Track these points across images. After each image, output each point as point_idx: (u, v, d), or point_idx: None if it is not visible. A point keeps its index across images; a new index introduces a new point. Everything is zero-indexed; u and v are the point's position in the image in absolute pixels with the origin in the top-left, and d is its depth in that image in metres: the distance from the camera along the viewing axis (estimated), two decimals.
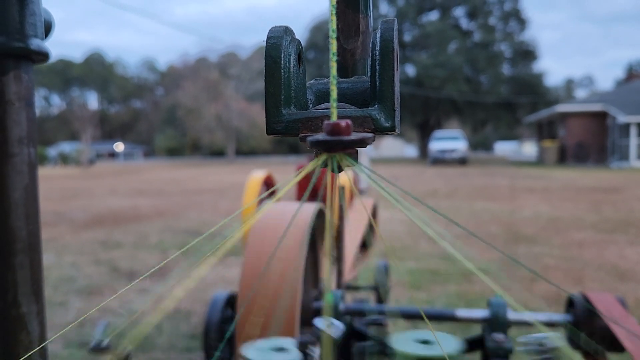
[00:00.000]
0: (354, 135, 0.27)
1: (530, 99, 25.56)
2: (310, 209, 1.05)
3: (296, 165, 2.07)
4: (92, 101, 46.68)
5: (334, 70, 0.28)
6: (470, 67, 26.28)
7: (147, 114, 44.24)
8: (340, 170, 0.29)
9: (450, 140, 20.21)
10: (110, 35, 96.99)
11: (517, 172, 13.27)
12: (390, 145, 37.59)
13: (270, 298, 0.92)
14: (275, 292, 0.92)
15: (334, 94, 0.28)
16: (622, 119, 16.30)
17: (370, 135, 0.29)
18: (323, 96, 0.38)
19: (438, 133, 21.74)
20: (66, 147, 27.44)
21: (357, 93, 0.37)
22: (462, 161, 19.42)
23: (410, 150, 38.33)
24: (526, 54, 26.70)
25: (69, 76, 43.79)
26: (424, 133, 27.21)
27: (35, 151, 0.56)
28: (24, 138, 0.54)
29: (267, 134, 0.34)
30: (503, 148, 41.31)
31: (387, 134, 0.33)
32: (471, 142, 36.07)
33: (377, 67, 0.32)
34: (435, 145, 19.98)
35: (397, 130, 0.33)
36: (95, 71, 44.67)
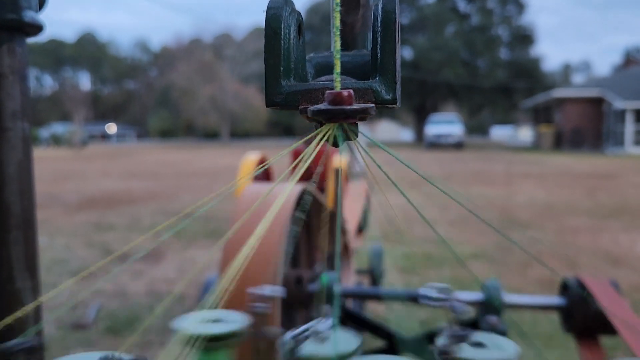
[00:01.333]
0: (356, 105, 0.27)
1: (527, 84, 25.55)
2: (294, 189, 1.04)
3: (291, 150, 2.06)
4: (85, 82, 46.33)
5: (337, 44, 0.27)
6: (467, 50, 26.21)
7: (141, 95, 43.93)
8: (343, 141, 0.29)
9: (446, 124, 20.19)
10: (102, 15, 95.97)
11: (512, 157, 13.31)
12: (385, 129, 37.54)
13: (249, 281, 0.92)
14: (255, 275, 0.91)
15: (337, 65, 0.28)
16: (619, 104, 16.32)
17: (372, 105, 0.28)
18: (323, 69, 0.37)
19: (434, 117, 21.71)
20: (58, 128, 27.20)
21: (357, 66, 0.36)
22: (458, 146, 19.42)
23: (406, 134, 38.29)
24: (524, 38, 26.64)
25: (61, 56, 43.33)
26: (420, 117, 27.18)
27: (29, 126, 0.55)
28: (18, 112, 0.53)
29: (267, 106, 0.34)
30: (499, 133, 41.33)
31: (387, 106, 0.32)
32: (467, 127, 36.04)
33: (379, 39, 0.32)
34: (432, 130, 19.96)
35: (397, 104, 0.32)
36: (88, 51, 44.22)
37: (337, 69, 0.28)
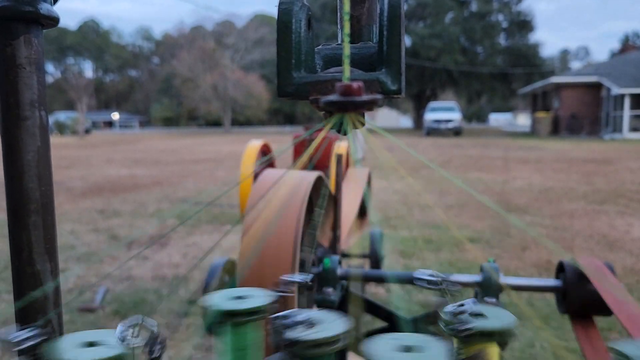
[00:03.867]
0: (365, 97, 0.29)
1: (526, 70, 25.46)
2: (309, 176, 1.06)
3: (293, 135, 2.09)
4: (87, 70, 46.10)
5: (346, 35, 0.30)
6: (466, 37, 26.08)
7: (143, 83, 43.81)
8: (351, 129, 0.31)
9: (445, 111, 20.21)
10: (104, 3, 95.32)
11: (510, 143, 13.31)
12: (385, 116, 37.44)
13: (267, 264, 0.94)
14: (273, 258, 0.94)
15: (346, 58, 0.30)
16: (616, 90, 16.27)
17: (380, 96, 0.30)
18: (331, 61, 0.39)
19: (433, 104, 21.71)
20: (61, 116, 27.19)
21: (363, 58, 0.38)
22: (457, 132, 19.45)
23: (406, 121, 38.22)
24: (522, 25, 26.49)
25: (64, 44, 43.09)
26: (419, 104, 27.12)
27: (46, 114, 0.57)
28: (35, 102, 0.55)
29: (279, 96, 0.36)
30: (497, 119, 41.29)
31: (393, 97, 0.35)
32: (466, 114, 35.95)
33: (385, 32, 0.34)
34: (430, 116, 19.97)
35: (402, 94, 0.35)
36: (90, 39, 43.99)
37: (347, 61, 0.30)
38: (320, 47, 0.40)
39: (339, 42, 0.41)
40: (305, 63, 0.36)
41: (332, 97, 0.29)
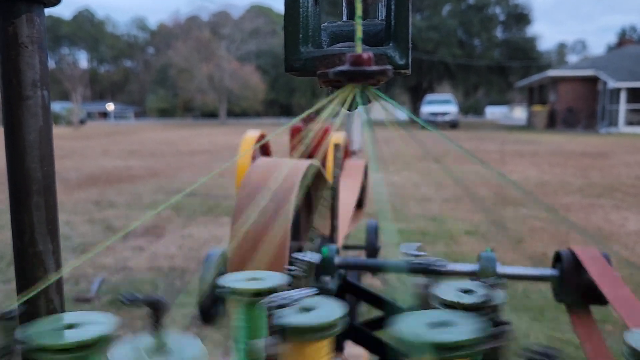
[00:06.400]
0: (375, 67, 0.29)
1: (523, 64, 25.47)
2: (302, 164, 1.06)
3: (290, 127, 2.07)
4: (82, 60, 45.82)
5: (359, 11, 0.29)
6: (463, 30, 26.06)
7: (138, 73, 43.64)
8: (362, 103, 0.31)
9: (441, 104, 20.26)
10: None
11: (506, 137, 13.32)
12: (380, 108, 37.41)
13: (258, 251, 0.94)
14: (265, 247, 0.93)
15: (358, 26, 0.30)
16: (613, 84, 16.30)
17: (389, 67, 0.30)
18: (337, 38, 0.39)
19: (430, 97, 21.74)
20: (56, 106, 27.05)
21: (370, 35, 0.38)
22: (453, 125, 19.49)
23: (402, 114, 38.22)
24: (520, 18, 26.49)
25: (58, 34, 42.80)
26: (416, 97, 27.11)
27: (48, 94, 0.57)
28: (38, 81, 0.55)
29: (286, 71, 0.36)
30: (494, 112, 41.34)
31: (400, 72, 0.34)
32: (462, 107, 35.98)
33: (393, 7, 0.34)
34: (427, 109, 20.01)
35: (409, 69, 0.35)
36: (85, 29, 43.72)
37: (359, 34, 0.30)
38: (326, 24, 0.40)
39: (344, 19, 0.41)
40: (312, 38, 0.36)
41: (342, 67, 0.29)
